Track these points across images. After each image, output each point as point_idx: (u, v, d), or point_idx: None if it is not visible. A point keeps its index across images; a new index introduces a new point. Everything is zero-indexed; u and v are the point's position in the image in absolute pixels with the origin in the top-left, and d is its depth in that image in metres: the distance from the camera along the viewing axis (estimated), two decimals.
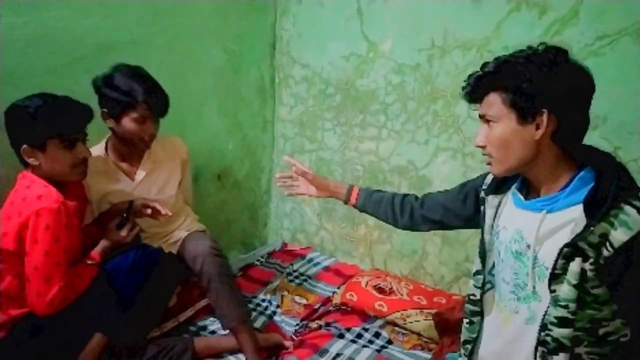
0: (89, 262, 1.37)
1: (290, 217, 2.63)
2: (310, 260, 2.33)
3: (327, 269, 2.26)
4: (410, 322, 1.72)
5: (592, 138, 1.59)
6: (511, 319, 1.02)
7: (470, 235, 1.94)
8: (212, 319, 1.75)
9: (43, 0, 1.50)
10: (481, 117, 0.98)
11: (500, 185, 1.09)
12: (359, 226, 2.33)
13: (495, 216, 1.08)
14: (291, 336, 1.71)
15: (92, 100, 1.66)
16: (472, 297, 1.14)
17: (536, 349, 0.95)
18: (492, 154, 0.97)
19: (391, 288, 1.88)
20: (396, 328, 1.76)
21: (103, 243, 1.42)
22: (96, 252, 1.39)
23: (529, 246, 0.96)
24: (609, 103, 1.55)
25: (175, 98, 1.97)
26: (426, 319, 1.70)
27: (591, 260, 0.86)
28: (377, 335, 1.72)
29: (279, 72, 2.48)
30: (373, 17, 2.06)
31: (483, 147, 0.99)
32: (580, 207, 0.89)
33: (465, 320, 1.16)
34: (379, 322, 1.79)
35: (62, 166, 1.28)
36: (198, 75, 2.07)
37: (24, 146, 1.25)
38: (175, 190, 1.71)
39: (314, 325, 1.77)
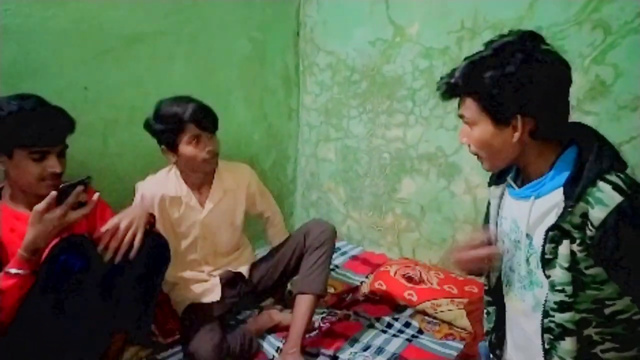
0: (11, 270, 1.08)
1: (316, 207, 2.62)
2: (338, 249, 2.32)
3: (354, 258, 2.25)
4: (442, 311, 1.69)
5: (632, 119, 1.55)
6: (520, 307, 1.01)
7: None
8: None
9: None
10: (460, 117, 0.97)
11: (501, 175, 1.08)
12: (386, 215, 2.30)
13: (499, 207, 1.08)
14: (319, 323, 1.70)
15: (120, 90, 1.69)
16: (485, 288, 1.15)
17: (543, 337, 0.94)
18: (477, 153, 0.97)
19: (421, 277, 1.85)
20: (427, 317, 1.73)
21: (26, 237, 1.10)
22: (15, 257, 1.09)
23: (525, 234, 0.96)
24: None
25: (201, 89, 1.98)
26: (458, 308, 1.67)
27: (578, 241, 0.85)
28: (407, 324, 1.69)
29: (303, 60, 2.46)
30: (399, 0, 2.01)
31: (468, 145, 0.98)
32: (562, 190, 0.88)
33: (485, 311, 1.17)
34: (409, 311, 1.76)
35: (28, 178, 1.17)
36: (223, 65, 2.07)
37: None
38: (241, 220, 1.68)
39: (341, 313, 1.76)
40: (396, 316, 1.74)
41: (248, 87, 2.21)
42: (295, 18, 2.38)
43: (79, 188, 1.12)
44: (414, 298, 1.75)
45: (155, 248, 1.28)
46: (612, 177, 0.84)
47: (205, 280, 1.60)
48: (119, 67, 1.67)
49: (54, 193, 1.09)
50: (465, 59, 0.94)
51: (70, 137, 1.24)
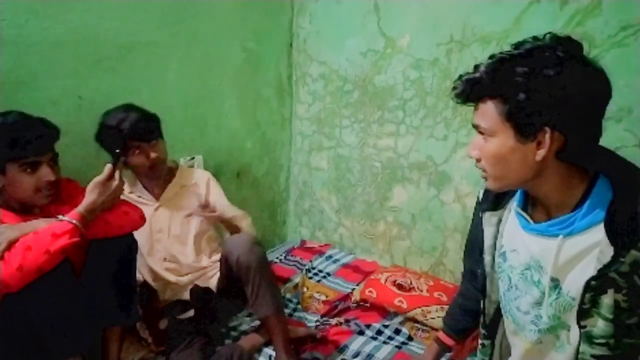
0: (62, 217, 1.19)
1: (309, 215, 2.64)
2: (330, 257, 2.34)
3: (346, 265, 2.26)
4: (432, 318, 1.71)
5: (616, 130, 1.59)
6: (536, 348, 0.93)
7: None
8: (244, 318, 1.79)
9: (67, 5, 1.54)
10: (475, 126, 0.85)
11: (498, 201, 0.97)
12: (378, 223, 2.32)
13: (497, 235, 0.97)
14: (319, 332, 1.72)
15: (114, 99, 1.71)
16: (481, 321, 1.07)
17: None
18: (487, 169, 0.84)
19: (411, 284, 1.87)
20: (416, 324, 1.75)
21: (86, 199, 1.23)
22: (75, 211, 1.20)
23: (550, 276, 0.85)
24: (634, 94, 1.51)
25: (195, 97, 2.01)
26: None
27: (624, 291, 0.76)
28: (397, 331, 1.71)
29: (296, 70, 2.49)
30: (390, 12, 2.05)
31: (477, 160, 0.86)
32: (601, 226, 0.78)
33: (480, 342, 1.10)
34: (399, 318, 1.78)
35: (24, 191, 1.22)
36: (217, 74, 2.09)
37: None
38: (198, 220, 1.70)
39: (333, 321, 1.78)
40: (386, 323, 1.75)
41: (241, 96, 2.23)
42: (289, 29, 2.42)
43: (122, 159, 1.35)
44: (404, 305, 1.77)
45: (122, 244, 1.35)
46: None
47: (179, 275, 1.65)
48: (113, 76, 1.68)
49: (110, 165, 1.28)
50: (491, 57, 0.80)
51: (64, 145, 1.26)
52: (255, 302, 1.54)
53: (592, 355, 0.82)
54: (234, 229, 1.72)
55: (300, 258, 2.32)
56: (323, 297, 1.96)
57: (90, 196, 1.24)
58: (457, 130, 1.95)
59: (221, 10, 2.02)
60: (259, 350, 1.60)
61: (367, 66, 2.18)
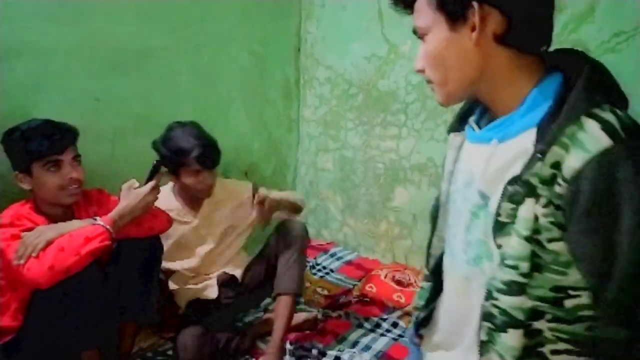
0: (96, 219, 1.27)
1: (314, 214, 2.72)
2: (333, 254, 2.41)
3: (349, 263, 2.33)
4: None
5: None
6: (463, 286, 0.80)
7: None
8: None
9: (85, 12, 1.64)
10: (414, 32, 0.77)
11: (463, 119, 0.85)
12: (380, 222, 2.39)
13: (456, 159, 0.85)
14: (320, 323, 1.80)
15: (128, 101, 1.81)
16: (425, 260, 0.99)
17: (481, 325, 0.74)
18: (431, 77, 0.76)
19: (409, 280, 1.94)
20: None
21: (120, 205, 1.31)
22: (108, 216, 1.28)
23: (479, 191, 0.75)
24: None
25: (204, 100, 2.11)
26: None
27: (544, 201, 0.65)
28: (394, 325, 1.78)
29: (303, 74, 2.57)
30: (393, 19, 2.07)
31: (423, 72, 0.78)
32: (535, 130, 0.67)
33: (420, 285, 1.03)
34: (398, 312, 1.85)
35: (49, 189, 1.29)
36: (226, 78, 2.18)
37: (16, 172, 1.30)
38: (243, 231, 1.78)
39: (334, 314, 1.85)
40: (385, 317, 1.82)
41: (249, 99, 2.32)
42: (296, 34, 2.51)
43: (163, 170, 1.43)
44: (402, 300, 1.84)
45: (149, 246, 1.42)
46: (605, 114, 0.62)
47: (203, 280, 1.70)
48: (127, 79, 1.79)
49: (134, 181, 1.34)
50: None
51: (81, 144, 1.35)
52: (283, 274, 1.59)
53: (502, 282, 0.70)
54: (291, 208, 1.76)
55: None
56: (325, 292, 2.03)
57: (124, 202, 1.32)
58: None
59: (230, 15, 2.12)
60: (261, 337, 1.68)
61: (371, 71, 2.25)
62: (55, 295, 1.20)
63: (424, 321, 0.95)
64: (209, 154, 1.56)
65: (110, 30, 1.71)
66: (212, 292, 1.65)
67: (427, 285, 0.97)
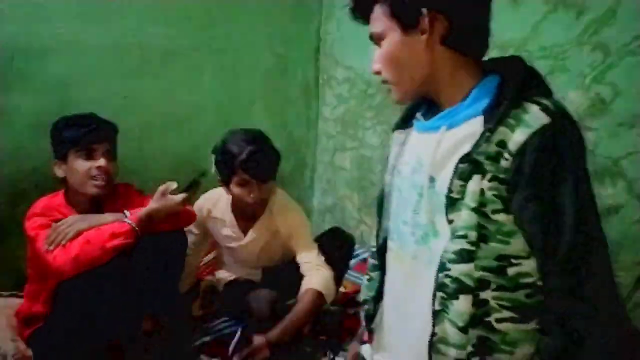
0: (126, 214, 1.32)
1: (332, 212, 2.75)
2: None
3: (364, 260, 2.35)
4: None
5: (629, 136, 1.64)
6: (410, 266, 0.87)
7: None
8: None
9: (115, 13, 1.71)
10: (371, 38, 0.86)
11: (407, 119, 0.95)
12: None
13: (399, 154, 0.94)
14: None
15: (155, 99, 1.87)
16: (371, 249, 1.03)
17: (434, 296, 0.79)
18: (388, 77, 0.85)
19: None
20: None
21: (150, 206, 1.33)
22: (136, 214, 1.31)
23: (428, 175, 0.82)
24: None
25: (227, 99, 2.16)
26: None
27: (489, 175, 0.73)
28: None
29: (323, 74, 2.61)
30: None
31: (380, 73, 0.86)
32: (481, 118, 0.76)
33: (366, 277, 1.05)
34: None
35: (80, 176, 1.33)
36: (248, 77, 2.24)
37: (54, 160, 1.37)
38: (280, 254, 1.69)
39: (351, 311, 1.88)
40: None
41: (270, 98, 2.37)
42: (316, 35, 2.54)
43: (199, 184, 1.40)
44: None
45: (173, 239, 1.42)
46: (542, 99, 0.73)
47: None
48: (155, 78, 1.85)
49: (173, 184, 1.35)
50: None
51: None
52: (313, 271, 1.51)
53: (454, 252, 0.76)
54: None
55: None
56: (342, 289, 2.06)
57: (154, 204, 1.34)
58: None
59: (253, 17, 2.18)
60: None
61: None
62: (78, 287, 1.24)
63: (375, 313, 0.99)
64: (259, 162, 1.41)
65: (139, 30, 1.78)
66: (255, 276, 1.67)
67: (375, 274, 1.01)
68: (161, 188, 1.37)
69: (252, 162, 1.40)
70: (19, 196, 1.64)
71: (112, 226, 1.27)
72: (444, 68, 0.81)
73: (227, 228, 1.63)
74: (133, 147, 1.86)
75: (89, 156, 1.35)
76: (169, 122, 1.89)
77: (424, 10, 0.76)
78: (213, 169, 1.49)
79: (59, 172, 1.37)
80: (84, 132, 1.33)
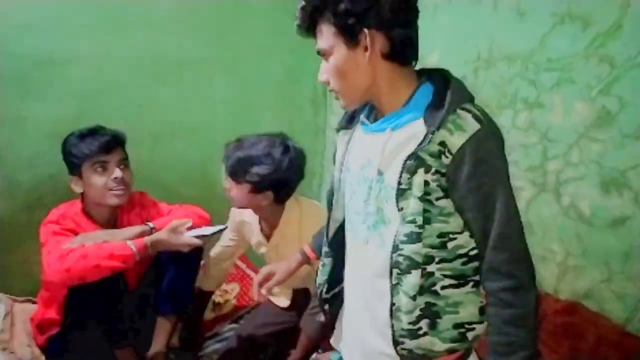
0: (150, 227, 1.37)
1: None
2: None
3: None
4: None
5: (635, 148, 1.65)
6: (363, 251, 1.00)
7: None
8: None
9: (131, 25, 1.75)
10: (319, 53, 0.95)
11: (350, 120, 1.06)
12: None
13: (345, 152, 1.05)
14: None
15: (168, 109, 1.90)
16: (324, 239, 1.12)
17: (391, 273, 0.92)
18: (335, 87, 0.95)
19: None
20: None
21: (158, 236, 1.36)
22: (142, 241, 1.33)
23: (377, 169, 0.94)
24: None
25: (237, 108, 2.20)
26: None
27: (433, 169, 0.86)
28: None
29: None
30: (420, 28, 2.15)
31: (328, 83, 0.96)
32: (422, 120, 0.89)
33: (320, 264, 1.15)
34: None
35: (97, 189, 1.36)
36: (258, 88, 2.27)
37: (70, 176, 1.39)
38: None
39: None
40: None
41: (279, 107, 2.40)
42: None
43: (218, 235, 1.46)
44: None
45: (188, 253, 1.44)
46: (471, 107, 0.87)
47: None
48: (169, 89, 1.89)
49: (188, 221, 1.38)
50: None
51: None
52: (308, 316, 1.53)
53: (405, 234, 0.89)
54: None
55: None
56: None
57: (164, 235, 1.35)
58: None
59: (263, 28, 2.21)
60: None
61: None
62: (87, 294, 1.26)
63: (331, 296, 1.12)
64: (292, 181, 1.51)
65: (154, 42, 1.82)
66: (282, 302, 1.69)
67: (327, 260, 1.13)
68: (174, 223, 1.37)
69: (290, 181, 1.55)
70: (36, 203, 1.67)
71: (115, 247, 1.27)
72: (384, 78, 0.92)
73: (255, 234, 1.65)
74: (145, 155, 1.90)
75: (104, 168, 1.37)
76: (179, 130, 1.92)
77: (365, 30, 0.86)
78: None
79: (77, 187, 1.39)
80: (95, 146, 1.36)
